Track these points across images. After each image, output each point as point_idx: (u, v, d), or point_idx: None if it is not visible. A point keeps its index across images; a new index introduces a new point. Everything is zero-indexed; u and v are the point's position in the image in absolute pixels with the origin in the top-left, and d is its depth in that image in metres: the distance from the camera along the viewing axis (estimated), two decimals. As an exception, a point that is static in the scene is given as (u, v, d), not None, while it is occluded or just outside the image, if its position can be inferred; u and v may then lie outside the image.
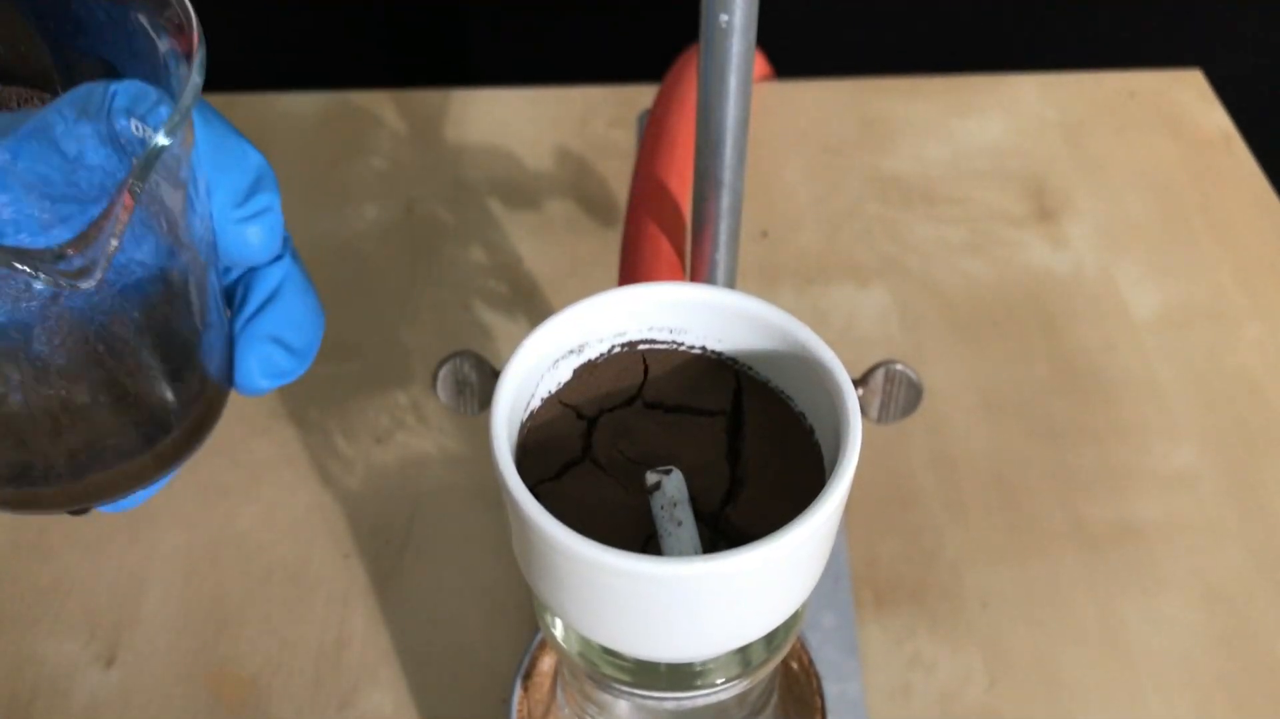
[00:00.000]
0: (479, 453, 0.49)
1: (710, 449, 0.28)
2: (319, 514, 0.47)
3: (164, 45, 0.23)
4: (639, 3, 0.73)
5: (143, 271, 0.23)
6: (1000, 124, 0.65)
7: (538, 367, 0.28)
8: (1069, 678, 0.42)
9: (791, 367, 0.29)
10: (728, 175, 0.35)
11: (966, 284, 0.56)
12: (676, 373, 0.30)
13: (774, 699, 0.36)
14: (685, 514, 0.26)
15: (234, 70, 0.68)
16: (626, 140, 0.63)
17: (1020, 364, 0.53)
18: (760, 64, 0.64)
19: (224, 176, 0.27)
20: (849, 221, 0.60)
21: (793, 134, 0.64)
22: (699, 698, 0.30)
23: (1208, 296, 0.56)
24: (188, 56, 0.22)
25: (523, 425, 0.28)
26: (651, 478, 0.27)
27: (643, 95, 0.65)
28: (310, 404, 0.51)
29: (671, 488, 0.27)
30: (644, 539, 0.27)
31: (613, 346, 0.30)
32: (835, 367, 0.27)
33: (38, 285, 0.21)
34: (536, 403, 0.29)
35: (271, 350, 0.28)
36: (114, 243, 0.20)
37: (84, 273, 0.20)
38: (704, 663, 0.29)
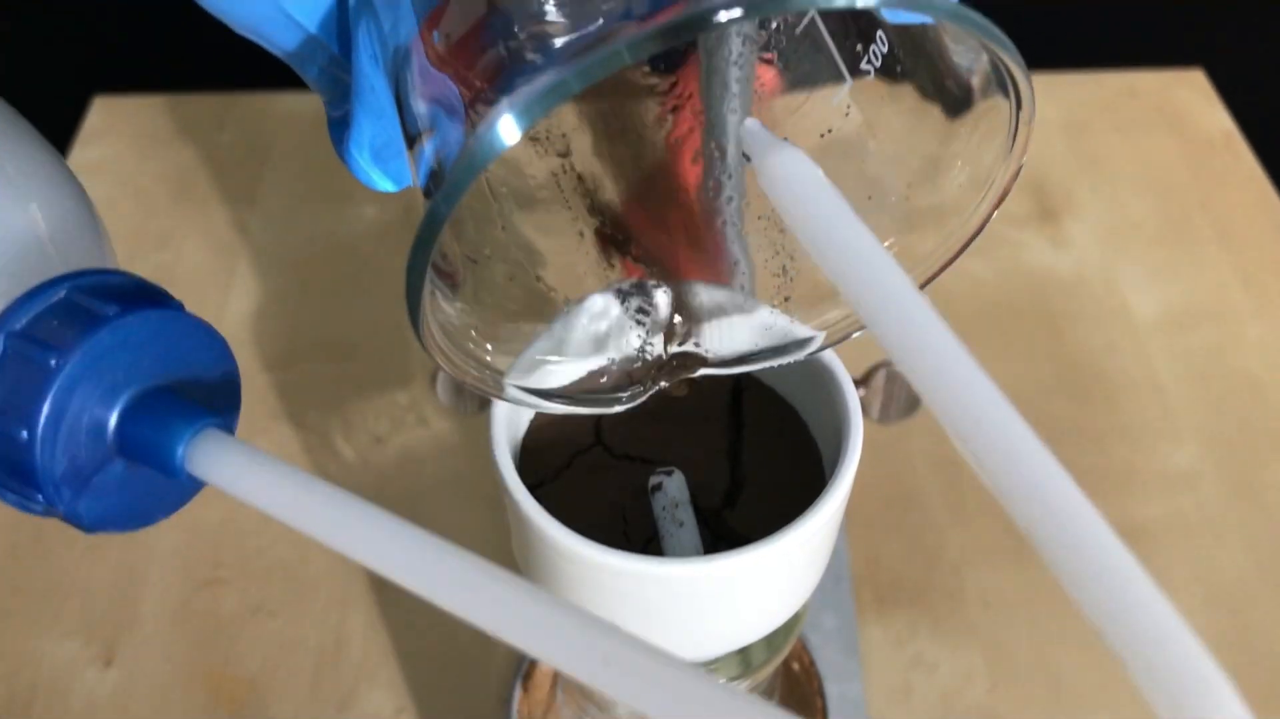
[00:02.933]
0: (479, 453, 0.49)
1: (710, 449, 0.28)
2: (319, 514, 0.47)
3: None
4: (639, 2, 0.73)
5: None
6: (1001, 124, 0.65)
7: (538, 367, 0.28)
8: (1070, 679, 0.42)
9: (792, 366, 0.29)
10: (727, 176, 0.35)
11: (967, 284, 0.56)
12: (677, 373, 0.30)
13: (775, 700, 0.36)
14: (687, 515, 0.26)
15: (234, 70, 0.68)
16: (627, 140, 0.63)
17: (1022, 364, 0.53)
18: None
19: None
20: (850, 221, 0.59)
21: (793, 134, 0.64)
22: (699, 699, 0.30)
23: (1210, 297, 0.56)
24: None
25: (522, 426, 0.28)
26: (654, 479, 0.27)
27: (643, 95, 0.65)
28: (310, 404, 0.51)
29: (674, 489, 0.27)
30: (644, 540, 0.27)
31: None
32: (836, 367, 0.27)
33: None
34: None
35: None
36: None
37: None
38: (704, 664, 0.29)
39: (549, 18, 0.19)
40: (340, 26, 0.23)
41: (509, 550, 0.29)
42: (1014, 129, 0.22)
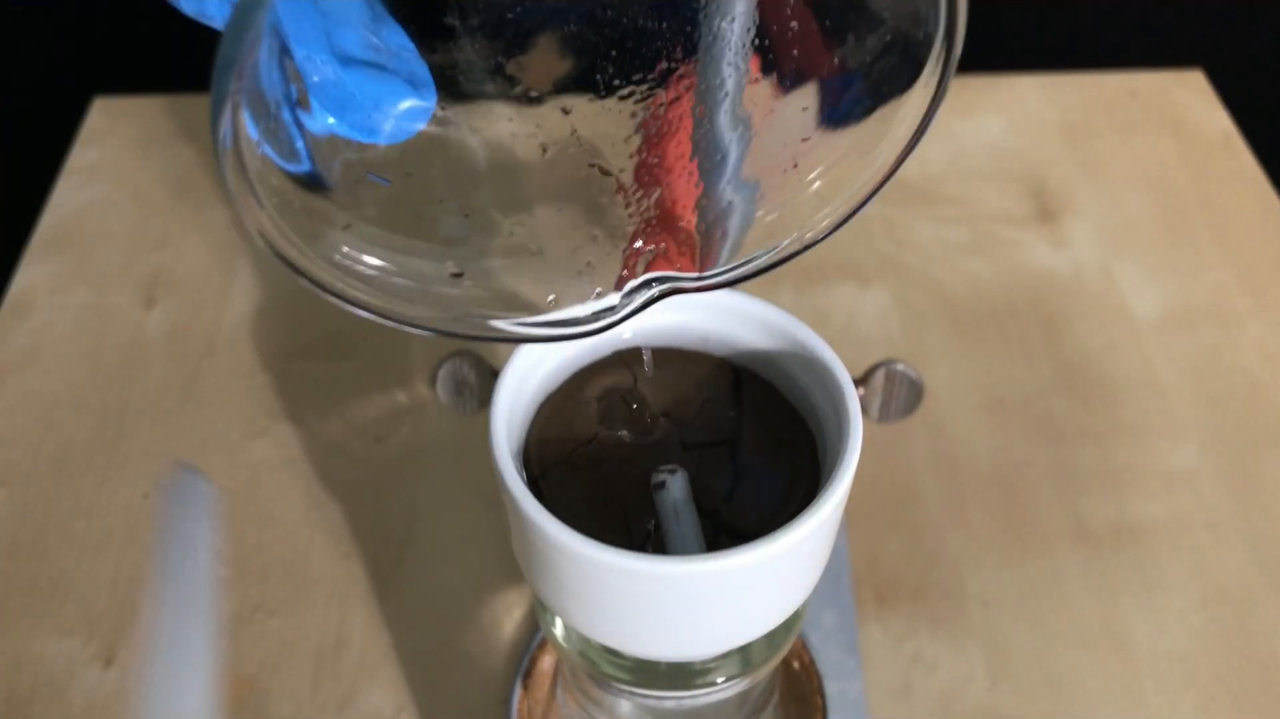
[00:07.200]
0: (479, 453, 0.49)
1: (711, 447, 0.28)
2: (318, 514, 0.47)
3: None
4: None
5: None
6: (1000, 124, 0.65)
7: (537, 366, 0.28)
8: (1070, 677, 0.42)
9: (792, 366, 0.29)
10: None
11: (967, 284, 0.56)
12: (677, 373, 0.30)
13: (775, 698, 0.36)
14: (689, 513, 0.26)
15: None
16: (627, 140, 0.63)
17: (1021, 364, 0.53)
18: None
19: None
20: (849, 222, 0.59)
21: (793, 134, 0.64)
22: (700, 697, 0.30)
23: (1209, 296, 0.56)
24: None
25: (522, 425, 0.28)
26: (657, 477, 0.27)
27: (643, 95, 0.65)
28: (310, 404, 0.51)
29: (676, 487, 0.27)
30: (644, 534, 0.27)
31: (613, 346, 0.30)
32: (836, 366, 0.27)
33: None
34: (537, 402, 0.29)
35: None
36: None
37: None
38: (705, 662, 0.29)
39: None
40: None
41: (509, 550, 0.29)
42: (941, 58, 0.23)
